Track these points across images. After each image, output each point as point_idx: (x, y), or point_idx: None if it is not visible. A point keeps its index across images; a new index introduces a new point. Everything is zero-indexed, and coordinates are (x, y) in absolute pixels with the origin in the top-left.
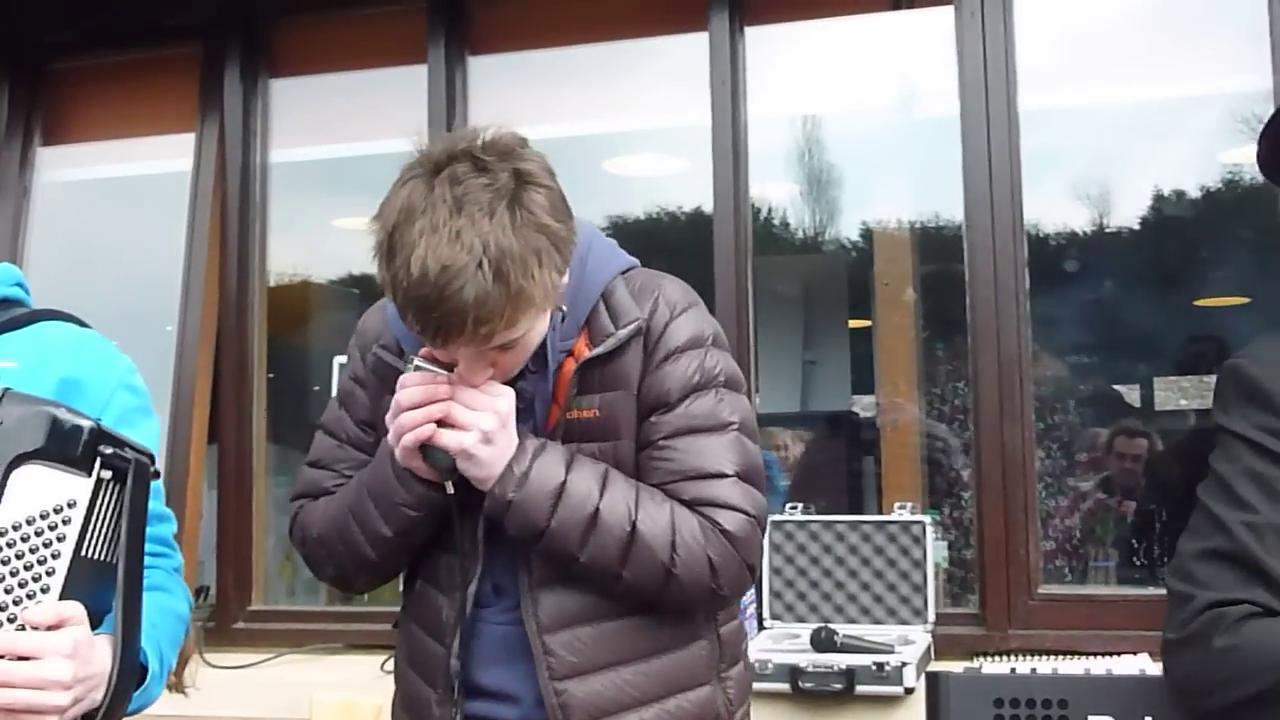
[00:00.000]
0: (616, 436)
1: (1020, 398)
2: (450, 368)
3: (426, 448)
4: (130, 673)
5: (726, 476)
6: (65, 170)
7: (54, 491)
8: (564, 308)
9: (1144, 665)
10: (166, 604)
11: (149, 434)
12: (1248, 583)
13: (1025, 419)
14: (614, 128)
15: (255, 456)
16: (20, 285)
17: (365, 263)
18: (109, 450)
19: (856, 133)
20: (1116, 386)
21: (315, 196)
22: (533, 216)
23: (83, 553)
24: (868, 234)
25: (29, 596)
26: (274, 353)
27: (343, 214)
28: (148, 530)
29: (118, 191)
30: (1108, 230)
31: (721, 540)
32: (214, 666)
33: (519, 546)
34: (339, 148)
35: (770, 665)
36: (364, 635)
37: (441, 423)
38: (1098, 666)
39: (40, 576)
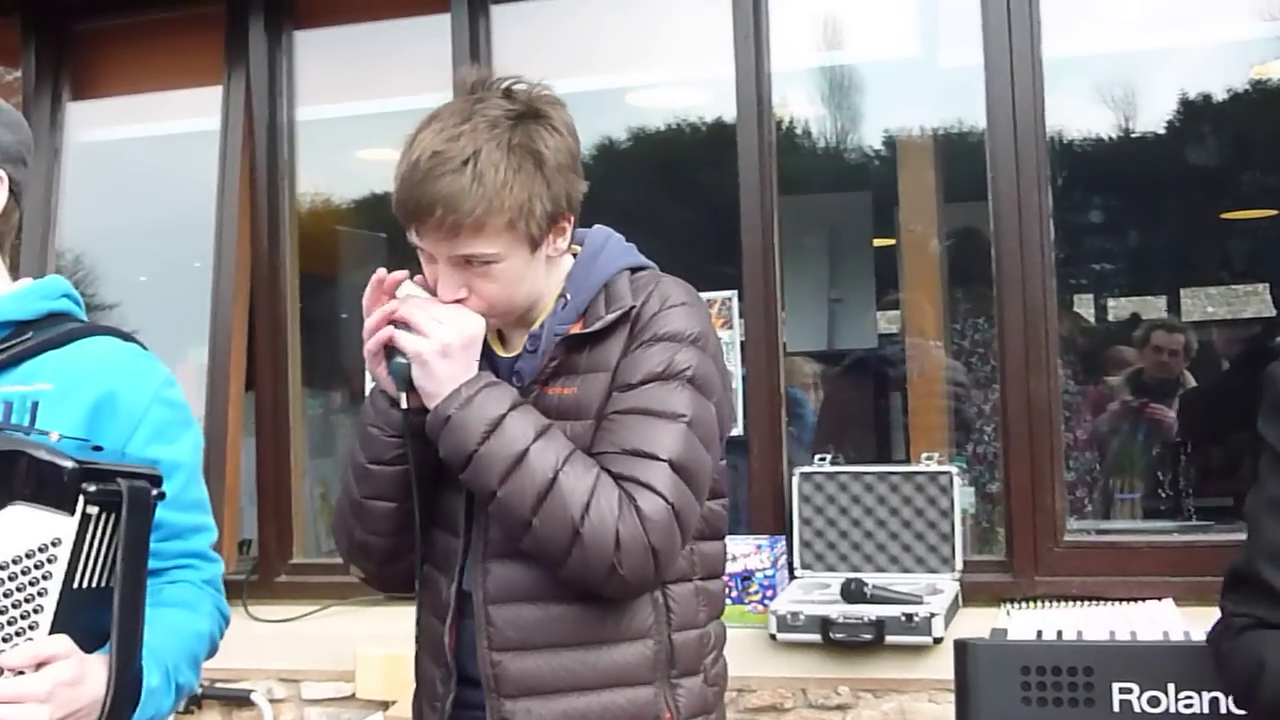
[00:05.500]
0: (589, 416)
1: (1046, 347)
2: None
3: (389, 352)
4: (126, 694)
5: (659, 460)
6: (95, 130)
7: (37, 531)
8: (568, 295)
9: (1169, 618)
10: (181, 621)
11: (185, 448)
12: (1252, 599)
13: (1051, 368)
14: (637, 77)
15: (292, 411)
16: (68, 296)
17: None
18: (93, 488)
19: (879, 53)
20: (1142, 297)
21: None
22: (532, 145)
23: (76, 585)
24: (891, 142)
25: (17, 634)
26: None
27: (368, 145)
28: (176, 544)
29: (147, 149)
30: (1133, 135)
31: (634, 518)
32: (257, 620)
33: (486, 515)
34: (365, 105)
35: (802, 617)
36: None
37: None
38: (1122, 629)
39: (28, 614)
